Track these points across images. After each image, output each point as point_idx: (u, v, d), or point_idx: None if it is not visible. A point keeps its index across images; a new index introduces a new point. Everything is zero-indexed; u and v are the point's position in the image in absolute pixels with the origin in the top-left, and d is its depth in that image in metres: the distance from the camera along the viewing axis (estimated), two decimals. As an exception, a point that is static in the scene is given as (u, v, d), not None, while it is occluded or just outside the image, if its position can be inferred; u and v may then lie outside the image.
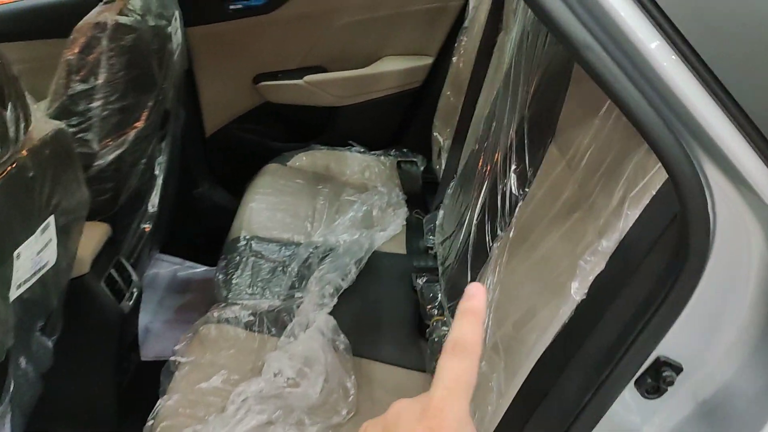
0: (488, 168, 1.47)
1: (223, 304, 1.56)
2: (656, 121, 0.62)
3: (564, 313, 0.90)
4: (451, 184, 1.84)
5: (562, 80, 1.22)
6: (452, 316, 1.45)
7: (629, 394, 0.74)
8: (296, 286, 1.63)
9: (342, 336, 1.47)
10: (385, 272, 1.75)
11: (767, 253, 0.64)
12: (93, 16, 1.51)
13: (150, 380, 1.57)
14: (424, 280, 1.66)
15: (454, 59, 2.06)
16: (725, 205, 0.63)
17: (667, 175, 0.76)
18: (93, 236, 1.55)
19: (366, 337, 1.53)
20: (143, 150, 1.71)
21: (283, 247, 1.76)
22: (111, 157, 1.58)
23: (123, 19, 1.51)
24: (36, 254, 1.11)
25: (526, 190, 1.27)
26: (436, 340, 1.49)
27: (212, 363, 1.39)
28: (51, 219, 1.15)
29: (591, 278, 0.86)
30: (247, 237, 1.77)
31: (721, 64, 0.58)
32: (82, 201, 1.30)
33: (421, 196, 2.12)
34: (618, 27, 0.59)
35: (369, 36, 2.21)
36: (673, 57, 0.59)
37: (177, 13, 1.83)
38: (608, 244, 0.84)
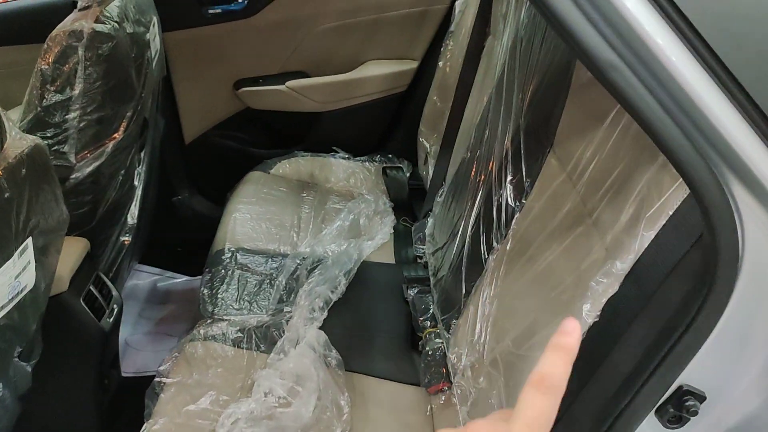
0: (482, 177, 1.44)
1: (209, 321, 1.51)
2: (684, 143, 0.59)
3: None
4: (441, 191, 1.81)
5: (560, 89, 1.19)
6: (446, 330, 1.42)
7: (649, 423, 0.71)
8: (284, 299, 1.59)
9: (334, 351, 1.43)
10: (374, 283, 1.71)
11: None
12: (68, 23, 1.45)
13: (132, 396, 1.52)
14: (416, 291, 1.63)
15: (441, 64, 2.02)
16: (755, 228, 0.61)
17: (685, 194, 0.74)
18: (71, 252, 1.49)
19: (358, 352, 1.50)
20: (122, 161, 1.65)
21: (270, 259, 1.71)
22: (89, 169, 1.52)
23: (100, 27, 1.45)
24: (14, 279, 1.06)
25: (524, 201, 1.24)
26: (429, 352, 1.46)
27: (200, 383, 1.34)
28: (29, 241, 1.09)
29: (603, 300, 0.83)
30: (232, 249, 1.72)
31: (753, 81, 0.55)
32: (61, 220, 1.24)
33: (408, 203, 2.08)
34: (645, 45, 0.56)
35: (351, 40, 2.17)
36: (703, 75, 0.56)
37: (155, 19, 1.78)
38: (623, 265, 0.81)
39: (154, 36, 1.75)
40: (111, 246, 1.72)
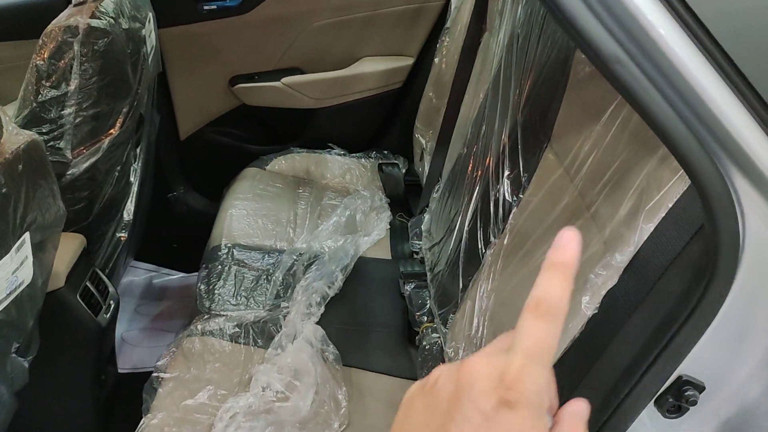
0: (479, 173, 1.44)
1: (206, 316, 1.51)
2: (686, 134, 0.59)
3: (574, 327, 0.87)
4: (437, 187, 1.81)
5: (558, 84, 1.20)
6: (443, 324, 1.42)
7: (648, 413, 0.72)
8: (281, 295, 1.59)
9: (331, 346, 1.43)
10: (371, 278, 1.71)
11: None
12: (63, 19, 1.45)
13: (128, 392, 1.52)
14: (412, 287, 1.63)
15: (436, 60, 2.03)
16: (756, 219, 0.61)
17: (685, 187, 0.74)
18: (67, 248, 1.49)
19: (355, 346, 1.50)
20: (118, 157, 1.65)
21: (266, 255, 1.71)
22: (85, 165, 1.52)
23: (96, 23, 1.45)
24: (11, 274, 1.05)
25: (521, 196, 1.24)
26: (426, 347, 1.46)
27: (197, 378, 1.34)
28: (26, 236, 1.09)
29: (603, 292, 0.83)
30: (229, 245, 1.72)
31: (756, 73, 0.56)
32: (58, 215, 1.24)
33: (404, 199, 2.08)
34: (650, 37, 0.56)
35: (347, 37, 2.17)
36: (706, 67, 0.57)
37: (150, 15, 1.77)
38: (622, 258, 0.81)
39: (149, 32, 1.75)
40: (107, 242, 1.72)
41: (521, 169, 1.26)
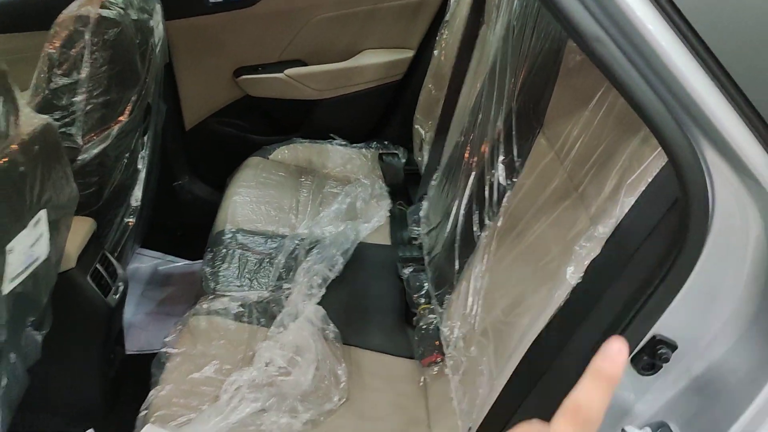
0: (475, 159, 1.49)
1: (211, 296, 1.56)
2: (661, 110, 0.64)
3: (559, 296, 0.93)
4: (435, 175, 1.86)
5: (550, 73, 1.25)
6: (440, 305, 1.48)
7: (625, 371, 0.77)
8: (284, 277, 1.65)
9: (331, 325, 1.49)
10: (371, 263, 1.77)
11: (763, 235, 0.67)
12: (74, 8, 1.49)
13: (135, 373, 1.57)
14: (410, 270, 1.69)
15: (436, 52, 2.08)
16: (725, 190, 0.66)
17: (663, 163, 0.80)
18: (78, 231, 1.54)
19: (354, 326, 1.55)
20: (126, 144, 1.70)
21: (269, 240, 1.76)
22: (95, 151, 1.57)
23: (106, 13, 1.50)
24: (28, 248, 1.11)
25: (514, 180, 1.30)
26: (423, 327, 1.52)
27: (203, 354, 1.40)
28: (42, 213, 1.14)
29: (586, 263, 0.89)
30: (233, 230, 1.78)
31: (726, 53, 0.61)
32: (71, 196, 1.30)
33: (404, 188, 2.14)
34: (627, 19, 0.61)
35: (349, 30, 2.22)
36: (679, 46, 0.62)
37: (158, 7, 1.82)
38: (604, 229, 0.87)
39: (157, 23, 1.80)
40: (116, 227, 1.78)
41: (515, 154, 1.31)
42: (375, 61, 2.26)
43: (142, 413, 1.29)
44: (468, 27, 1.87)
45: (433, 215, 1.75)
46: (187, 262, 2.39)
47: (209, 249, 1.74)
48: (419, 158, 2.16)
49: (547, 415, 0.82)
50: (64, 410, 1.68)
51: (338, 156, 2.21)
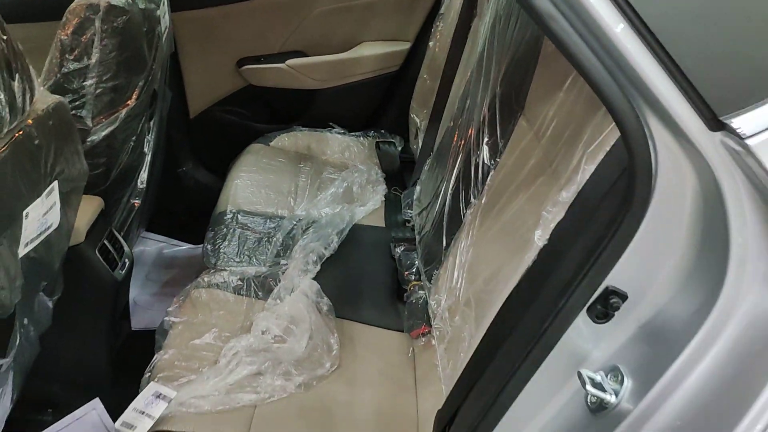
0: (462, 142, 1.58)
1: (212, 271, 1.65)
2: (610, 83, 0.72)
3: (529, 258, 1.01)
4: (428, 161, 1.95)
5: (531, 60, 1.33)
6: (428, 280, 1.56)
7: (581, 319, 0.85)
8: (281, 254, 1.73)
9: (325, 299, 1.57)
10: (365, 243, 1.85)
11: (699, 192, 0.75)
12: (86, -3, 1.58)
13: (140, 348, 1.65)
14: (402, 249, 1.77)
15: (431, 44, 2.16)
16: (665, 153, 0.74)
17: (619, 134, 0.88)
18: (87, 208, 1.62)
19: (348, 301, 1.64)
20: (133, 128, 1.78)
21: (268, 220, 1.85)
22: (104, 133, 1.65)
23: (115, 1, 1.58)
24: (42, 215, 1.20)
25: (497, 160, 1.38)
26: (413, 301, 1.60)
27: (204, 322, 1.48)
28: (55, 184, 1.23)
29: (552, 226, 0.97)
30: (233, 210, 1.86)
31: (663, 29, 0.69)
32: (81, 172, 1.38)
33: (399, 174, 2.22)
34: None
35: (348, 22, 2.31)
36: (623, 23, 0.70)
37: (164, -2, 1.91)
38: (567, 194, 0.95)
39: (163, 13, 1.88)
40: (122, 207, 1.86)
41: (498, 135, 1.39)
42: (373, 52, 2.34)
43: (146, 375, 1.38)
44: (461, 19, 1.95)
45: (424, 197, 1.84)
46: (190, 245, 2.47)
47: (211, 228, 1.83)
48: (414, 146, 2.24)
49: (510, 371, 0.90)
50: (71, 380, 1.77)
51: (337, 144, 2.29)
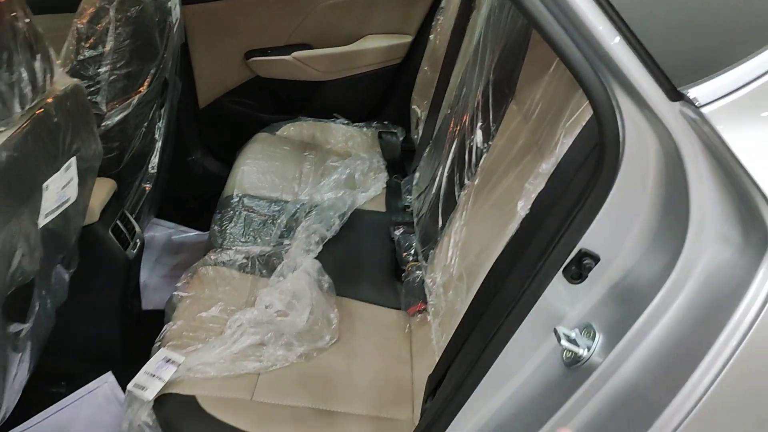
0: (458, 128, 1.65)
1: (218, 250, 1.73)
2: (580, 59, 0.79)
3: (512, 228, 1.08)
4: (427, 148, 2.02)
5: (521, 47, 1.40)
6: (425, 260, 1.63)
7: (558, 280, 0.92)
8: (285, 235, 1.81)
9: (326, 276, 1.64)
10: (366, 226, 1.92)
11: (662, 159, 0.82)
12: (101, -12, 1.66)
13: (150, 326, 1.73)
14: (401, 231, 1.85)
15: (431, 37, 2.24)
16: (631, 124, 0.81)
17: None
18: (101, 190, 1.70)
19: (348, 280, 1.71)
20: (145, 114, 1.87)
21: (273, 204, 1.93)
22: (117, 118, 1.73)
23: (129, -9, 1.66)
24: (60, 189, 1.28)
25: (490, 143, 1.45)
26: (410, 280, 1.68)
27: (211, 297, 1.56)
28: (72, 160, 1.31)
29: (533, 196, 1.05)
30: (240, 194, 1.94)
31: (626, 8, 0.76)
32: (97, 152, 1.46)
33: (400, 163, 2.29)
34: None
35: (352, 16, 2.38)
36: (591, 4, 0.77)
37: (175, -11, 1.99)
38: (547, 166, 1.02)
39: (174, 4, 1.97)
40: (134, 190, 1.95)
41: (491, 120, 1.47)
42: (376, 45, 2.42)
43: (157, 344, 1.45)
44: (460, 12, 2.02)
45: (422, 182, 1.91)
46: (198, 232, 2.55)
47: (218, 211, 1.91)
48: (415, 136, 2.32)
49: (493, 331, 0.97)
50: (85, 353, 1.85)
51: (340, 133, 2.37)
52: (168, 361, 1.35)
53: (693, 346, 0.80)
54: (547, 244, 0.93)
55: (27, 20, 1.13)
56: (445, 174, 1.63)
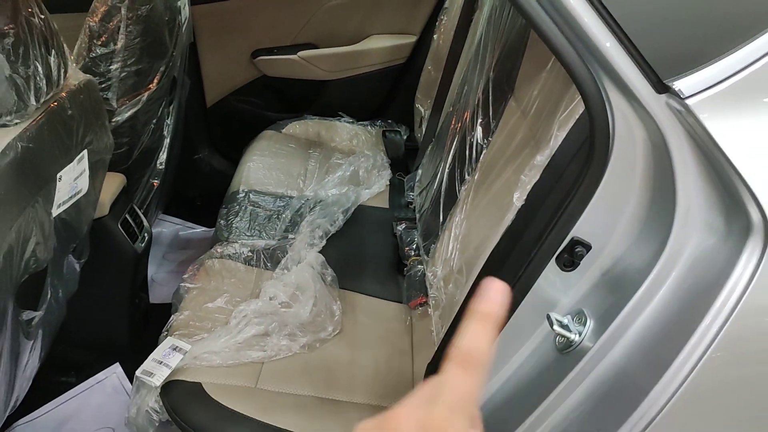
0: (459, 125, 1.69)
1: (225, 243, 1.77)
2: (573, 54, 0.83)
3: (508, 218, 1.12)
4: (429, 146, 2.06)
5: (520, 45, 1.44)
6: (426, 254, 1.67)
7: (550, 268, 0.96)
8: (289, 230, 1.85)
9: (330, 270, 1.68)
10: (369, 221, 1.96)
11: (650, 149, 0.85)
12: (113, -13, 1.70)
13: (157, 319, 1.77)
14: (404, 227, 1.88)
15: (435, 37, 2.28)
16: (621, 117, 0.85)
17: (585, 102, 0.98)
18: (111, 184, 1.75)
19: (351, 273, 1.75)
20: (154, 111, 1.91)
21: (278, 199, 1.97)
22: (127, 114, 1.77)
23: (139, -10, 1.71)
24: (73, 180, 1.32)
25: (489, 139, 1.49)
26: (412, 274, 1.71)
27: (217, 288, 1.60)
28: (84, 153, 1.35)
29: (529, 188, 1.08)
30: (246, 190, 1.98)
31: (615, 5, 0.79)
32: (108, 145, 1.50)
33: (404, 161, 2.33)
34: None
35: (357, 16, 2.43)
36: (583, 3, 0.80)
37: (184, -11, 2.03)
38: (542, 158, 1.06)
39: (184, 4, 2.01)
40: (143, 186, 1.99)
41: (491, 116, 1.50)
42: (380, 45, 2.46)
43: (164, 333, 1.49)
44: (463, 13, 2.06)
45: (424, 178, 1.95)
46: (205, 228, 2.60)
47: (224, 206, 1.95)
48: (419, 135, 2.35)
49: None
50: (94, 344, 1.90)
51: (345, 132, 2.41)
52: (175, 348, 1.39)
53: (678, 330, 0.83)
54: (540, 233, 0.96)
55: (42, 16, 1.17)
56: (447, 170, 1.67)
